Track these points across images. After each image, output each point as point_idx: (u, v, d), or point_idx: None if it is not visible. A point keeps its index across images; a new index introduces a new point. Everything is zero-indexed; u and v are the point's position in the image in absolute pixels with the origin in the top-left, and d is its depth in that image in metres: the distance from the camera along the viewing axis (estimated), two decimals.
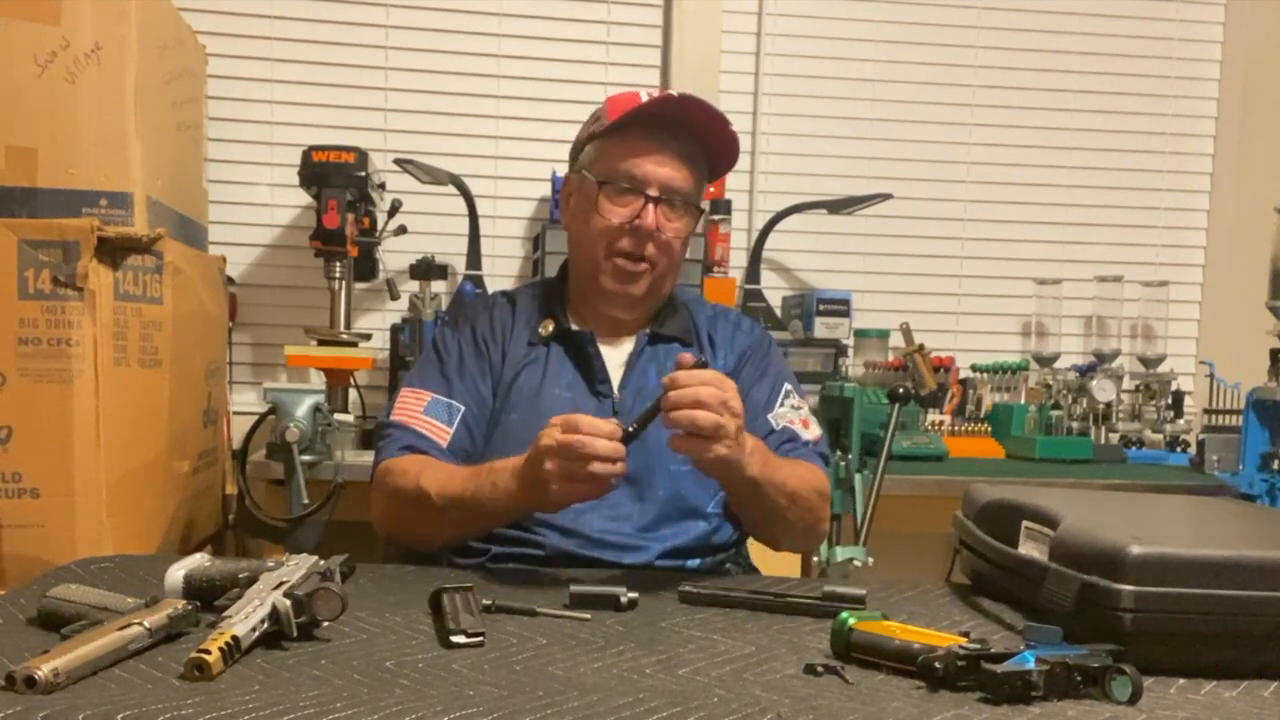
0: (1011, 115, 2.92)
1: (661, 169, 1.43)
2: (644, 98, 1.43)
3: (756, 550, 1.58)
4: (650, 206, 1.43)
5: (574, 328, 1.51)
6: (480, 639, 0.98)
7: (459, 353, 1.50)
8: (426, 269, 2.48)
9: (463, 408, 1.46)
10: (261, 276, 2.66)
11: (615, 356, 1.50)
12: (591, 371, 1.48)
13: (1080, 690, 0.88)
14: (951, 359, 2.64)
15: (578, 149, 1.52)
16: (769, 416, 1.50)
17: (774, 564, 1.58)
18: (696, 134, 1.45)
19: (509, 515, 1.32)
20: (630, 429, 1.22)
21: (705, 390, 1.19)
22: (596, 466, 1.18)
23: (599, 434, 1.19)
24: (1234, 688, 0.94)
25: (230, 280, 2.41)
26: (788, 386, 1.55)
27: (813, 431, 1.54)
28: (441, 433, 1.44)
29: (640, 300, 1.49)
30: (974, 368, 2.68)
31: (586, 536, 1.37)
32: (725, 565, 1.48)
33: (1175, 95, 2.98)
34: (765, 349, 1.57)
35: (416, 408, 1.46)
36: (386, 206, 2.47)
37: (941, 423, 2.50)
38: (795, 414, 1.53)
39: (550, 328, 1.51)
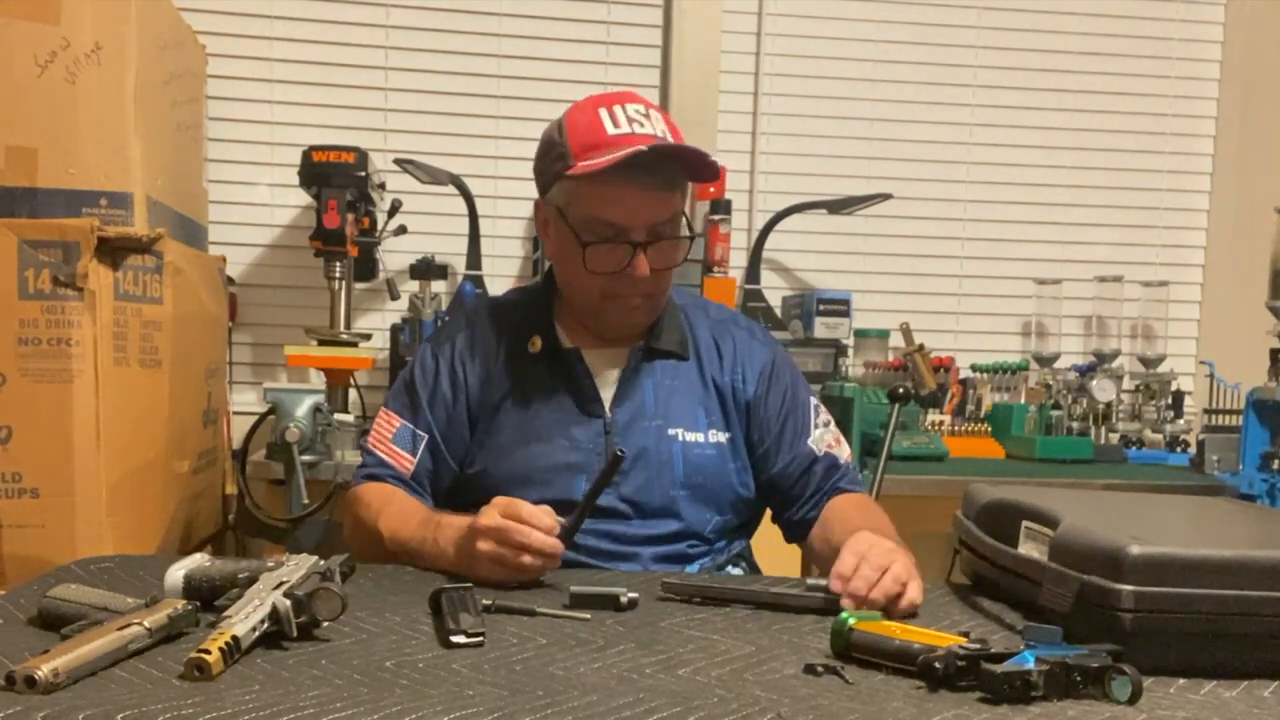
0: (1011, 115, 2.92)
1: (644, 211, 1.35)
2: (605, 120, 1.33)
3: (761, 551, 1.58)
4: (639, 253, 1.35)
5: (564, 345, 1.45)
6: (480, 639, 0.98)
7: (435, 375, 1.46)
8: (426, 269, 2.48)
9: (426, 436, 1.44)
10: (261, 276, 2.66)
11: (608, 374, 1.45)
12: (582, 391, 1.43)
13: (1080, 690, 0.88)
14: (951, 359, 2.64)
15: (545, 178, 1.41)
16: (809, 443, 1.48)
17: (778, 566, 1.58)
18: (675, 156, 1.35)
19: (446, 571, 1.28)
20: (568, 525, 1.21)
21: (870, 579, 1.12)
22: (527, 559, 1.18)
23: (539, 526, 1.18)
24: (1234, 688, 0.94)
25: (230, 280, 2.41)
26: (814, 402, 1.52)
27: (845, 450, 1.52)
28: (406, 462, 1.44)
29: (642, 324, 1.46)
30: (974, 368, 2.68)
31: (582, 548, 1.36)
32: (725, 569, 1.48)
33: (1175, 95, 2.98)
34: (783, 363, 1.53)
35: (387, 433, 1.46)
36: (386, 206, 2.48)
37: (941, 423, 2.50)
38: (828, 433, 1.51)
39: (539, 344, 1.45)
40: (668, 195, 1.37)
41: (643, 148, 1.29)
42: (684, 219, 1.41)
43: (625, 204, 1.34)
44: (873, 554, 1.14)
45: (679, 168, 1.38)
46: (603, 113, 1.35)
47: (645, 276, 1.37)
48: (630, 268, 1.36)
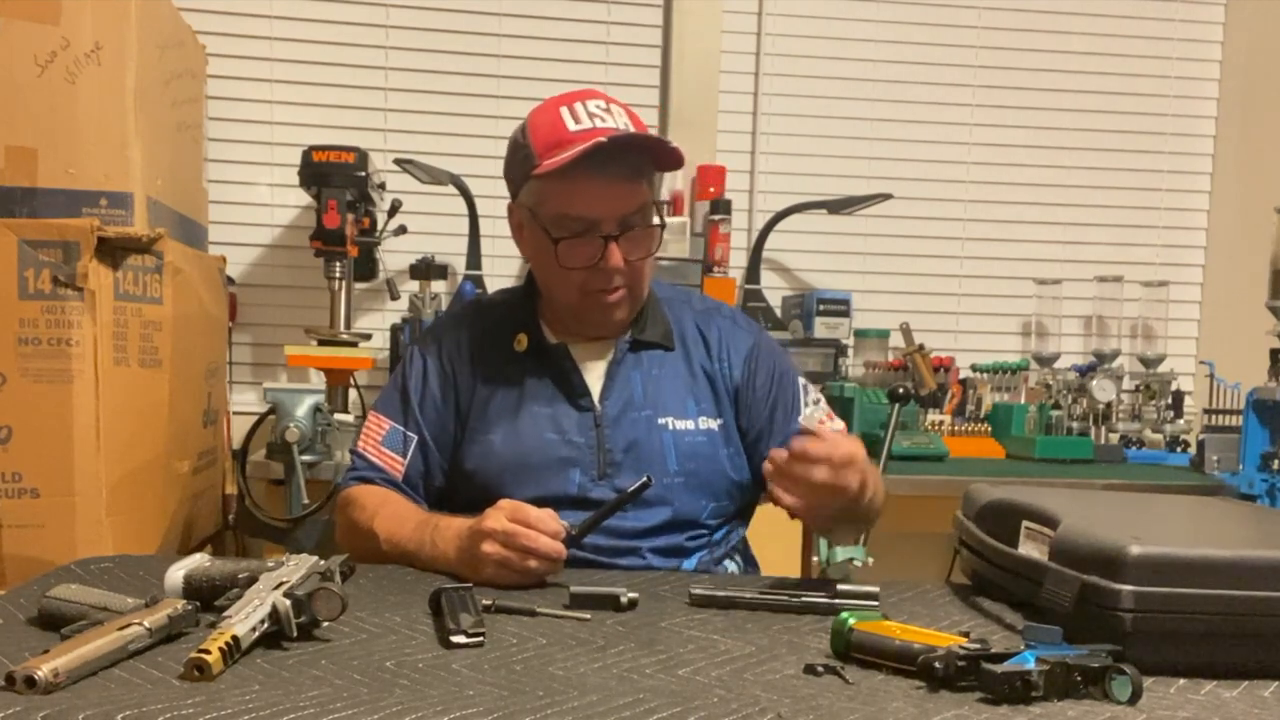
0: (1011, 115, 2.92)
1: (612, 203, 1.36)
2: (566, 117, 1.36)
3: (759, 547, 1.58)
4: (611, 244, 1.36)
5: (550, 341, 1.46)
6: (480, 639, 0.98)
7: (424, 375, 1.47)
8: (426, 269, 2.48)
9: (416, 437, 1.45)
10: (261, 276, 2.66)
11: (595, 367, 1.46)
12: (570, 385, 1.44)
13: (1080, 690, 0.87)
14: (951, 359, 2.64)
15: (514, 182, 1.44)
16: (800, 421, 1.48)
17: (774, 563, 1.58)
18: (637, 146, 1.37)
19: (445, 572, 1.29)
20: (574, 531, 1.23)
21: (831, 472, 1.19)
22: (534, 563, 1.19)
23: (545, 530, 1.20)
24: (1234, 688, 0.94)
25: (230, 280, 2.41)
26: (802, 381, 1.54)
27: (839, 423, 1.53)
28: (396, 465, 1.45)
29: (624, 320, 1.46)
30: (974, 368, 2.68)
31: (581, 545, 1.36)
32: (723, 562, 1.48)
33: (1175, 95, 2.98)
34: (768, 346, 1.55)
35: (377, 436, 1.47)
36: (386, 206, 2.48)
37: (941, 423, 2.50)
38: (819, 410, 1.52)
39: (524, 342, 1.46)
40: (634, 185, 1.38)
41: (603, 139, 1.31)
42: (654, 208, 1.42)
43: (592, 196, 1.35)
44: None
45: (644, 157, 1.40)
46: (564, 111, 1.38)
47: (620, 268, 1.38)
48: (604, 260, 1.36)
